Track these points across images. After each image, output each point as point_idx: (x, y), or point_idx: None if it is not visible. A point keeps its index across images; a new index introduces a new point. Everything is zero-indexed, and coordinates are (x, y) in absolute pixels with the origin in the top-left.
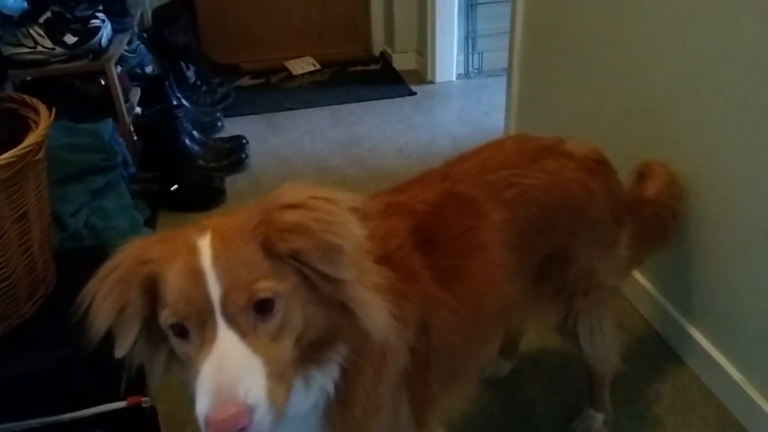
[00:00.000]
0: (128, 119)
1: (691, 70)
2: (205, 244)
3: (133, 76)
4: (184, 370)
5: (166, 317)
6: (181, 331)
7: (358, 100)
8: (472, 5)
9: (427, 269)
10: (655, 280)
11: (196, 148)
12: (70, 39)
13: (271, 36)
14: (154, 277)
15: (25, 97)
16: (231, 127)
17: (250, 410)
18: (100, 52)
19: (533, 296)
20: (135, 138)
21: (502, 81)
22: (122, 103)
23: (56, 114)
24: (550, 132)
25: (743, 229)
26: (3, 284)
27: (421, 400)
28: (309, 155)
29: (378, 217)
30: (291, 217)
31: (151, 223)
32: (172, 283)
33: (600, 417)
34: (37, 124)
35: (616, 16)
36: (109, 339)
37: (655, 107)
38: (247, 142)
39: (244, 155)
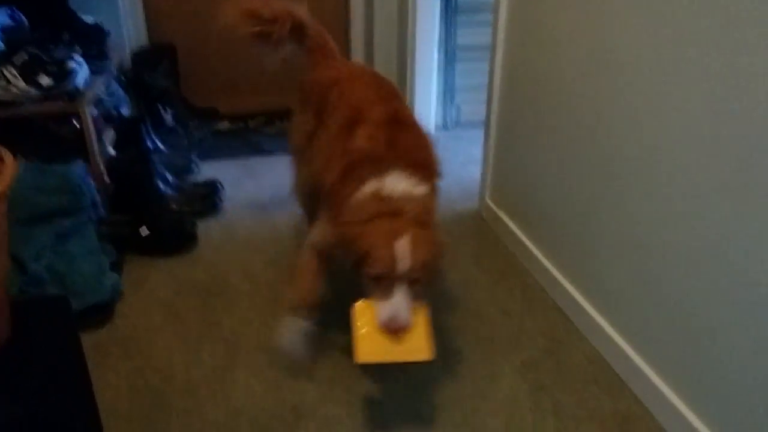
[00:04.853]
0: (100, 161)
1: (663, 128)
2: None
3: (108, 118)
4: None
5: None
6: None
7: None
8: (450, 61)
9: None
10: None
11: (169, 191)
12: (45, 80)
13: (251, 80)
14: None
15: None
16: (206, 171)
17: None
18: (75, 94)
19: None
20: (107, 181)
21: (479, 133)
22: (95, 145)
23: (26, 154)
24: (528, 184)
25: None
26: None
27: None
28: (285, 201)
29: None
30: None
31: (117, 268)
32: None
33: None
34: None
35: (594, 71)
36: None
37: (626, 161)
38: (222, 186)
39: (218, 200)
